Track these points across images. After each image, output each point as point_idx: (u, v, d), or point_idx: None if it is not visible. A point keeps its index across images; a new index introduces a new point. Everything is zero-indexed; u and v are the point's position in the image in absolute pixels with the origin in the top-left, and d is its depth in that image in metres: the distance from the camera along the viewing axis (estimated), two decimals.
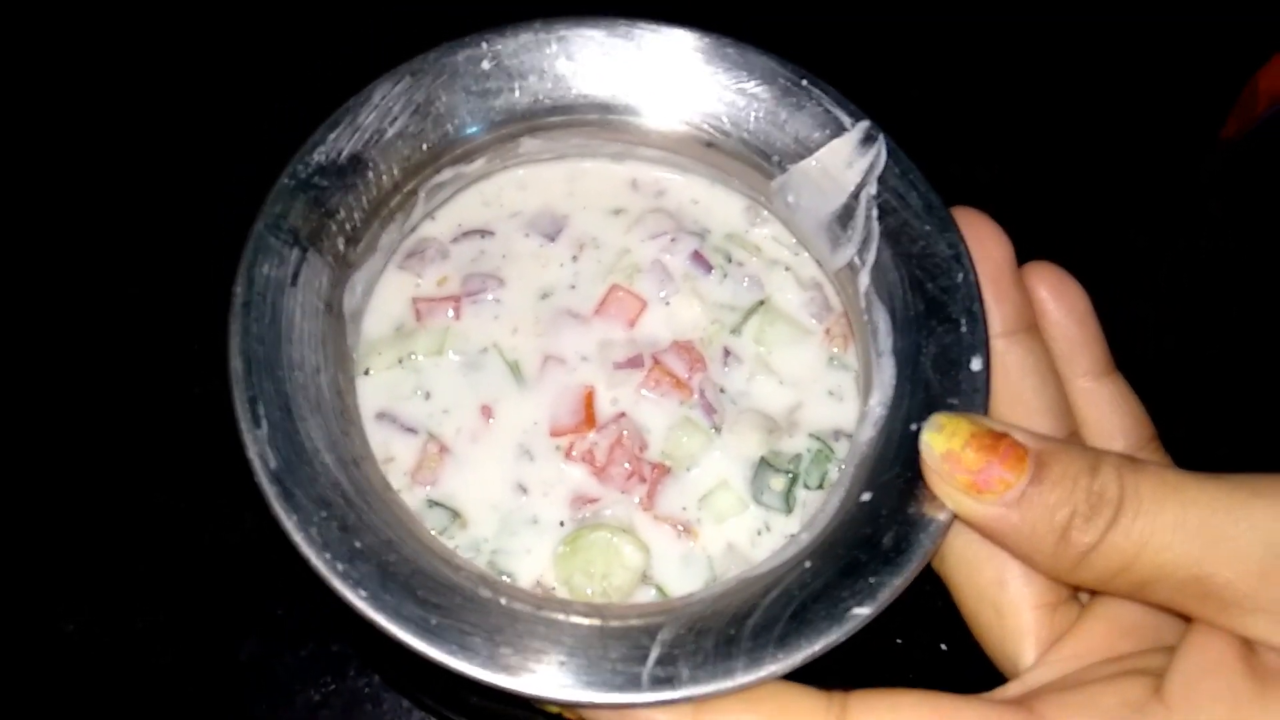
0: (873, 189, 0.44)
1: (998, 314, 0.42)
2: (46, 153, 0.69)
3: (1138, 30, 0.75)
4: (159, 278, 0.65)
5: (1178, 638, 0.36)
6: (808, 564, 0.39)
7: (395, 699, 0.56)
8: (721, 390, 0.46)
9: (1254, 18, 0.71)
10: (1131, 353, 0.46)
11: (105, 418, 0.61)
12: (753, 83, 0.45)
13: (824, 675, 0.38)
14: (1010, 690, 0.38)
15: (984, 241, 0.43)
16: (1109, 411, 0.43)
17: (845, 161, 0.45)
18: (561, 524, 0.44)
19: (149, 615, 0.57)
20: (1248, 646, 0.35)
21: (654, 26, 0.46)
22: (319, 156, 0.43)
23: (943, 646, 0.58)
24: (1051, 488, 0.36)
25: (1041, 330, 0.44)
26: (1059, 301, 0.44)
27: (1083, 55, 0.75)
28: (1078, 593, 0.40)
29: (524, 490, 0.44)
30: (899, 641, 0.59)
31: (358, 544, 0.37)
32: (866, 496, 0.40)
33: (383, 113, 0.44)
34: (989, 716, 0.35)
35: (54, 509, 0.59)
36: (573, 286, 0.48)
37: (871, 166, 0.44)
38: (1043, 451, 0.37)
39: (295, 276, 0.41)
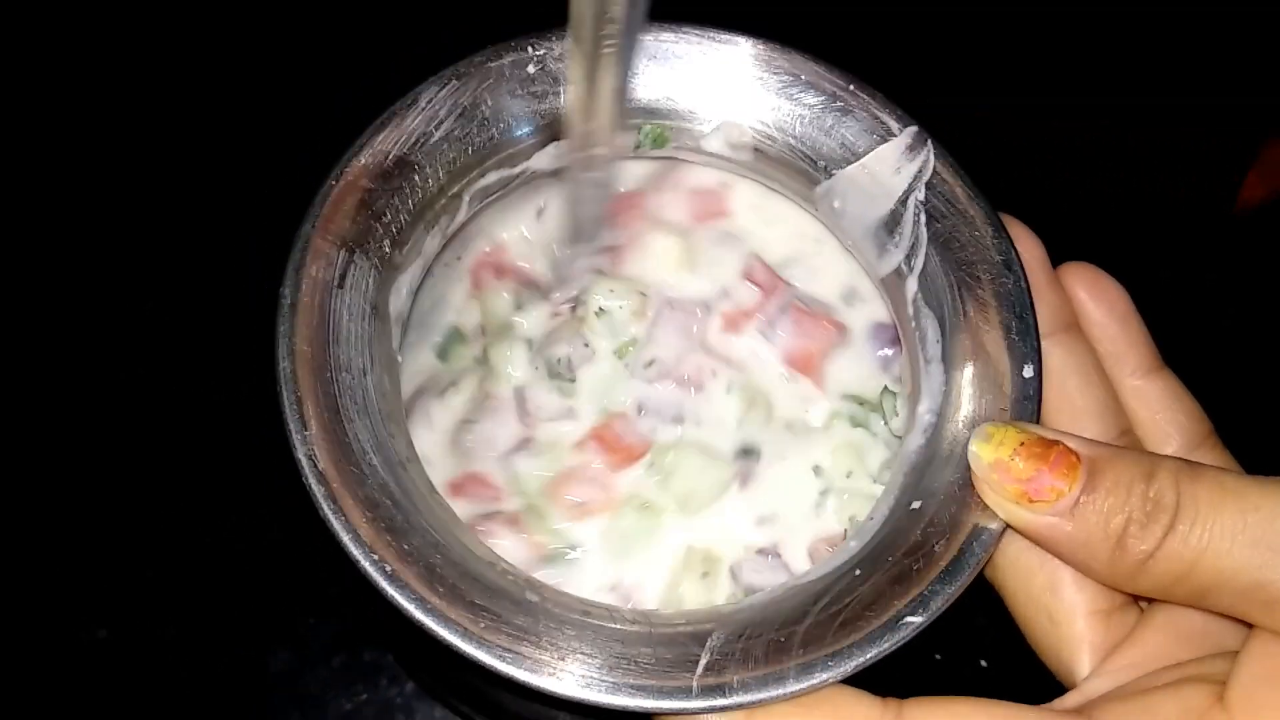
0: (920, 194, 0.44)
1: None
2: (52, 162, 0.69)
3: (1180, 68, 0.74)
4: (170, 290, 0.65)
5: (1239, 643, 0.35)
6: (858, 571, 0.39)
7: (428, 708, 0.55)
8: None
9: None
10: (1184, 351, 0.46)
11: (140, 426, 0.61)
12: (799, 88, 0.45)
13: (864, 689, 0.37)
14: (1069, 700, 0.37)
15: (1017, 243, 0.43)
16: (1161, 409, 0.43)
17: (893, 167, 0.44)
18: None
19: (181, 623, 0.57)
20: None
21: (701, 31, 0.45)
22: (365, 159, 0.43)
23: (983, 663, 0.58)
24: (1105, 495, 0.35)
25: (1085, 332, 0.43)
26: (1099, 301, 0.44)
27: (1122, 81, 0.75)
28: (1137, 599, 0.40)
29: None
30: (938, 657, 0.58)
31: (405, 546, 0.37)
32: (917, 504, 0.40)
33: (429, 116, 0.44)
34: None
35: (87, 517, 0.59)
36: None
37: (919, 172, 0.44)
38: (1096, 458, 0.36)
39: (342, 279, 0.41)
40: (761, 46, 0.46)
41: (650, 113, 0.46)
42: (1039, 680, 0.41)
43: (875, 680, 0.37)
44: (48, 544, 0.58)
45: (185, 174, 0.68)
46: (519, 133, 0.45)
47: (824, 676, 0.36)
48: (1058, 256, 0.45)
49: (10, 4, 0.72)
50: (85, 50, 0.72)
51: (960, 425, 0.40)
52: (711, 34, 0.46)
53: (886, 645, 0.36)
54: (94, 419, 0.61)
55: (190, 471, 0.60)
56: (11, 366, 0.62)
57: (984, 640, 0.58)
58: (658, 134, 0.46)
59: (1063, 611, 0.39)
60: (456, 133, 0.44)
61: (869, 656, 0.36)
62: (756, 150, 0.46)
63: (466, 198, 0.45)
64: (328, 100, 0.62)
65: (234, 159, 0.68)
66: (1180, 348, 0.46)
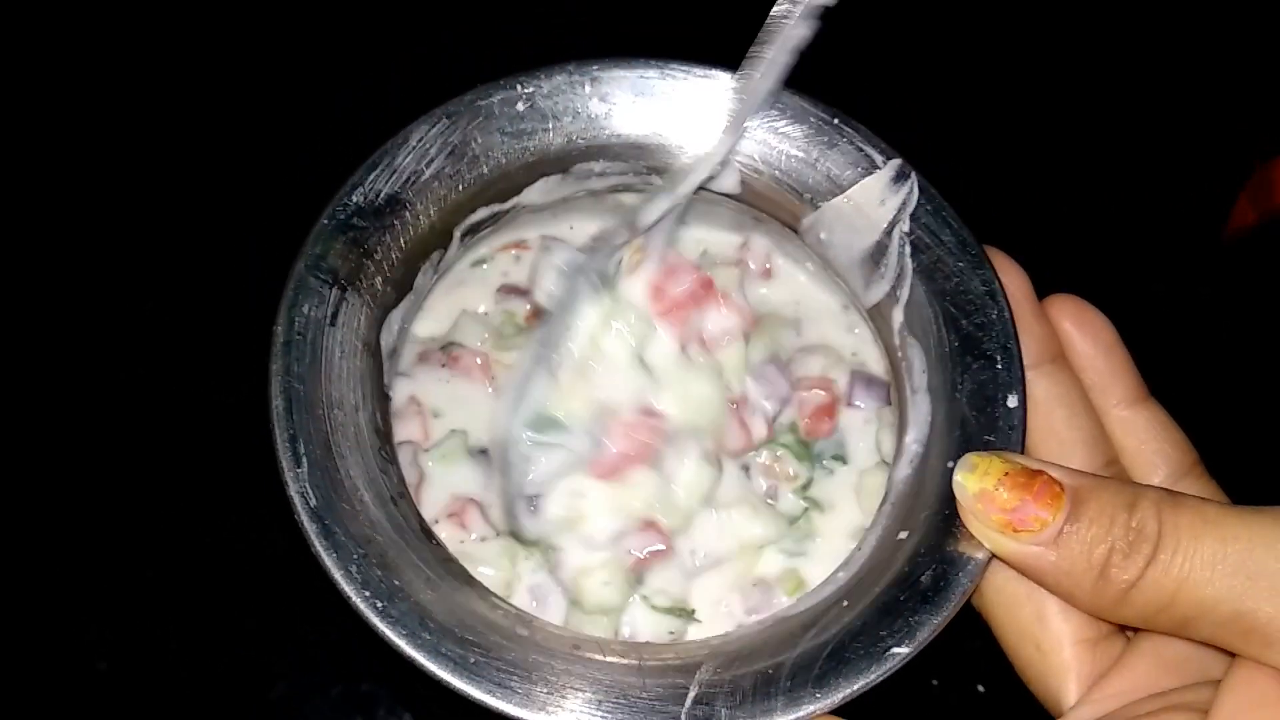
0: (905, 226, 0.44)
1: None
2: (54, 165, 0.70)
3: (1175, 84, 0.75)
4: (169, 290, 0.65)
5: (1223, 672, 0.36)
6: (845, 603, 0.39)
7: None
8: None
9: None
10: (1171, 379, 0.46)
11: (141, 455, 0.61)
12: (785, 122, 0.46)
13: (859, 717, 0.38)
14: None
15: (1001, 275, 0.43)
16: (1148, 439, 0.43)
17: (878, 199, 0.45)
18: None
19: (181, 653, 0.57)
20: None
21: (686, 67, 0.46)
22: (357, 197, 0.43)
23: (979, 688, 0.58)
24: (1089, 525, 0.36)
25: (1071, 363, 0.44)
26: (1083, 332, 0.44)
27: (1107, 105, 0.75)
28: (1124, 628, 0.40)
29: None
30: (935, 683, 0.58)
31: (396, 582, 0.37)
32: (903, 535, 0.40)
33: (420, 154, 0.44)
34: None
35: (87, 548, 0.59)
36: None
37: (904, 204, 0.45)
38: (1079, 488, 0.36)
39: (334, 316, 0.42)
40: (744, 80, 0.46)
41: (637, 147, 0.46)
42: (1035, 706, 0.41)
43: (872, 706, 0.37)
44: (46, 576, 0.59)
45: (186, 174, 0.69)
46: (508, 169, 0.46)
47: (811, 709, 0.36)
48: (1042, 286, 0.45)
49: (10, 4, 0.73)
50: (87, 51, 0.73)
51: (946, 456, 0.41)
52: (697, 70, 0.46)
53: (873, 676, 0.37)
54: (94, 419, 0.62)
55: (191, 480, 0.60)
56: (11, 367, 0.63)
57: (980, 665, 0.58)
58: None
59: (1049, 641, 0.39)
60: (447, 170, 0.45)
61: (856, 688, 0.37)
62: (744, 184, 0.46)
63: (457, 234, 0.46)
64: (328, 100, 0.62)
65: (234, 159, 0.69)
66: (1167, 376, 0.46)
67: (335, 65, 0.71)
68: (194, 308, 0.64)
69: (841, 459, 0.47)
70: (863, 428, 0.48)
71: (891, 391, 0.47)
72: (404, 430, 0.46)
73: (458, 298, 0.49)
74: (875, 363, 0.49)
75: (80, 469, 0.61)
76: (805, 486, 0.46)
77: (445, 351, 0.47)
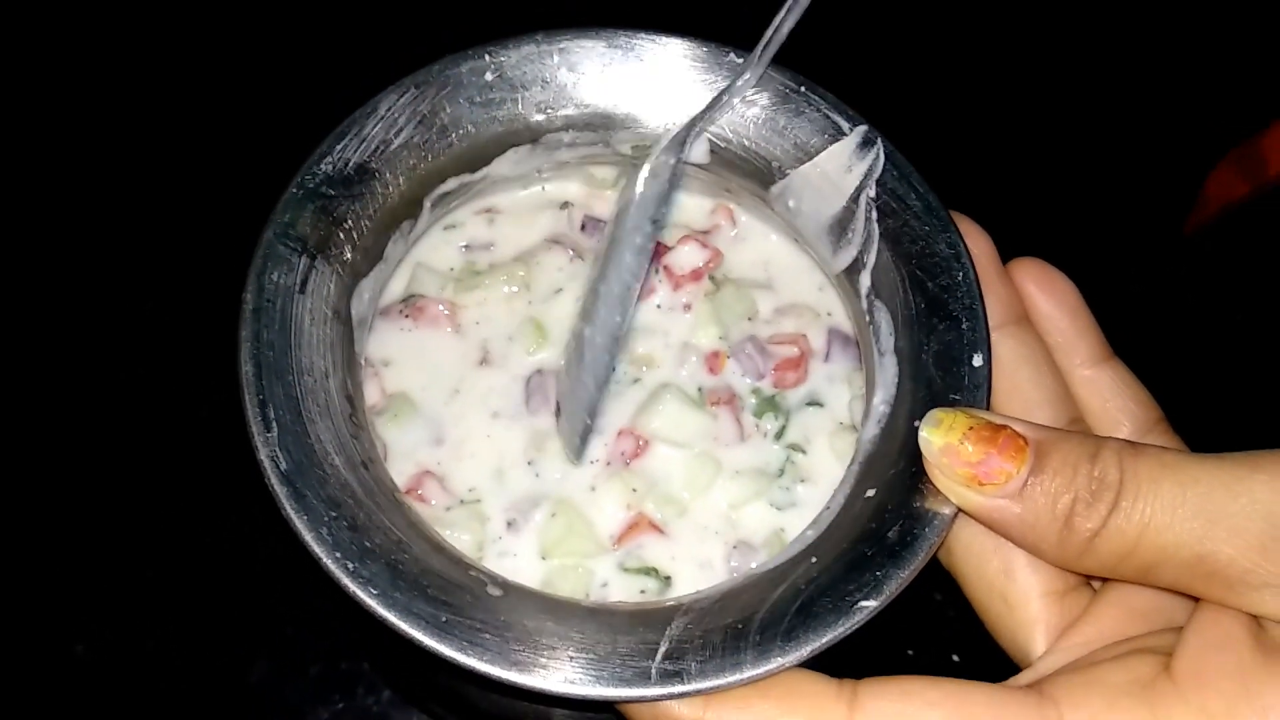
0: (872, 192, 0.45)
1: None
2: (54, 165, 0.69)
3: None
4: (169, 290, 0.65)
5: (1187, 619, 0.36)
6: (814, 559, 0.39)
7: (404, 715, 0.56)
8: None
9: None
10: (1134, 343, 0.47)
11: (116, 438, 0.61)
12: (752, 90, 0.46)
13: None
14: (1022, 678, 0.38)
15: (966, 238, 0.44)
16: (1111, 397, 0.43)
17: (844, 165, 0.45)
18: None
19: (159, 637, 0.57)
20: (1255, 622, 0.35)
21: (653, 37, 0.46)
22: (326, 167, 0.44)
23: (954, 658, 0.58)
24: (1052, 476, 0.36)
25: (1035, 324, 0.44)
26: (1048, 295, 0.45)
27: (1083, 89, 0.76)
28: (1090, 580, 0.40)
29: None
30: (910, 653, 0.58)
31: (368, 544, 0.38)
32: (871, 492, 0.41)
33: (388, 124, 0.45)
34: (998, 698, 0.35)
35: (64, 530, 0.59)
36: None
37: (870, 170, 0.45)
38: (1042, 441, 0.37)
39: (304, 284, 0.42)
40: (711, 49, 0.47)
41: (606, 118, 0.47)
42: (1012, 673, 0.41)
43: (846, 675, 0.38)
44: (23, 559, 0.58)
45: (185, 174, 0.69)
46: (478, 139, 0.46)
47: (780, 661, 0.36)
48: (1007, 253, 0.46)
49: (10, 4, 0.73)
50: (85, 51, 0.73)
51: (913, 415, 0.41)
52: (663, 37, 0.46)
53: (841, 629, 0.37)
54: (94, 419, 0.62)
55: (169, 486, 0.60)
56: (11, 367, 0.63)
57: (956, 635, 0.58)
58: None
59: (1017, 594, 0.40)
60: (416, 140, 0.45)
61: (824, 641, 0.37)
62: (713, 153, 0.47)
63: (428, 203, 0.46)
64: (328, 100, 0.61)
65: (234, 158, 0.68)
66: (1130, 340, 0.47)
67: (335, 65, 0.71)
68: (194, 308, 0.64)
69: (819, 404, 0.48)
70: (839, 383, 0.48)
71: (860, 353, 0.47)
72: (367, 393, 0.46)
73: (416, 255, 0.49)
74: (847, 323, 0.49)
75: (79, 467, 0.61)
76: (780, 434, 0.47)
77: (408, 303, 0.47)
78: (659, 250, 0.49)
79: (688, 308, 0.49)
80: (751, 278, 0.50)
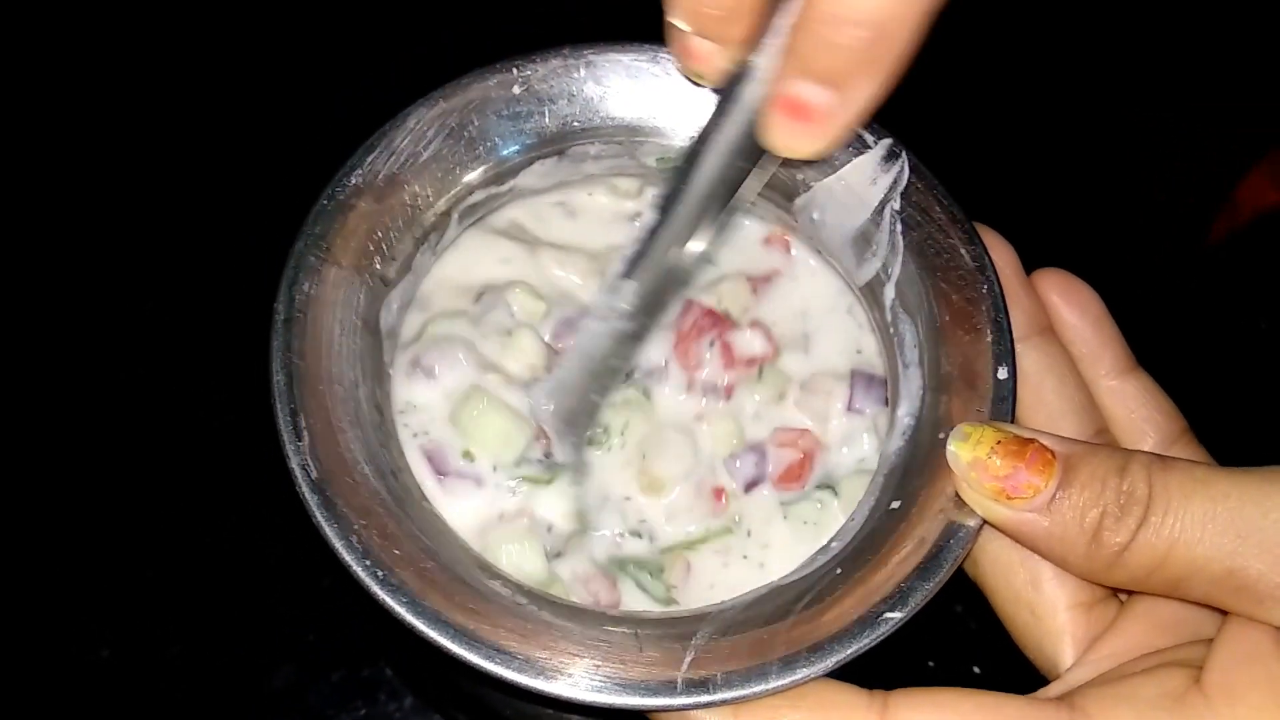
0: (896, 204, 0.45)
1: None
2: (53, 165, 0.69)
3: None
4: (169, 291, 0.65)
5: (1215, 630, 0.36)
6: (839, 570, 0.39)
7: None
8: None
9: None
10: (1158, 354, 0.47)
11: (142, 446, 0.62)
12: None
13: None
14: (1052, 690, 0.38)
15: (990, 250, 0.44)
16: (1136, 408, 0.43)
17: (869, 178, 0.45)
18: None
19: (184, 642, 0.57)
20: None
21: None
22: (356, 179, 0.44)
23: (976, 669, 0.58)
24: (1081, 490, 0.36)
25: (1059, 335, 0.44)
26: (1071, 305, 0.45)
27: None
28: (1117, 591, 0.41)
29: None
30: (931, 664, 0.58)
31: (397, 551, 0.38)
32: (896, 504, 0.41)
33: (417, 136, 0.45)
34: (1030, 711, 0.35)
35: (90, 536, 0.59)
36: None
37: (895, 182, 0.45)
38: (1071, 455, 0.37)
39: (334, 295, 0.42)
40: None
41: (632, 130, 0.47)
42: (1033, 684, 0.41)
43: (867, 685, 0.38)
44: (48, 565, 0.59)
45: (186, 174, 0.69)
46: (505, 151, 0.46)
47: (806, 672, 0.37)
48: (1030, 263, 0.46)
49: (10, 4, 0.73)
50: (87, 52, 0.73)
51: (938, 428, 0.41)
52: None
53: (866, 640, 0.37)
54: (94, 419, 0.62)
55: (190, 475, 0.60)
56: (12, 366, 0.63)
57: (977, 646, 0.58)
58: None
59: (1044, 606, 0.40)
60: (444, 152, 0.45)
61: (850, 652, 0.37)
62: None
63: (456, 215, 0.47)
64: (328, 100, 0.62)
65: (235, 159, 0.69)
66: (1154, 351, 0.47)
67: (335, 65, 0.71)
68: (194, 308, 0.65)
69: (832, 489, 0.47)
70: (858, 436, 0.47)
71: (888, 389, 0.47)
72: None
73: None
74: (874, 352, 0.48)
75: (81, 467, 0.61)
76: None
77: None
78: (720, 321, 0.48)
79: (729, 391, 0.47)
80: (790, 334, 0.49)
